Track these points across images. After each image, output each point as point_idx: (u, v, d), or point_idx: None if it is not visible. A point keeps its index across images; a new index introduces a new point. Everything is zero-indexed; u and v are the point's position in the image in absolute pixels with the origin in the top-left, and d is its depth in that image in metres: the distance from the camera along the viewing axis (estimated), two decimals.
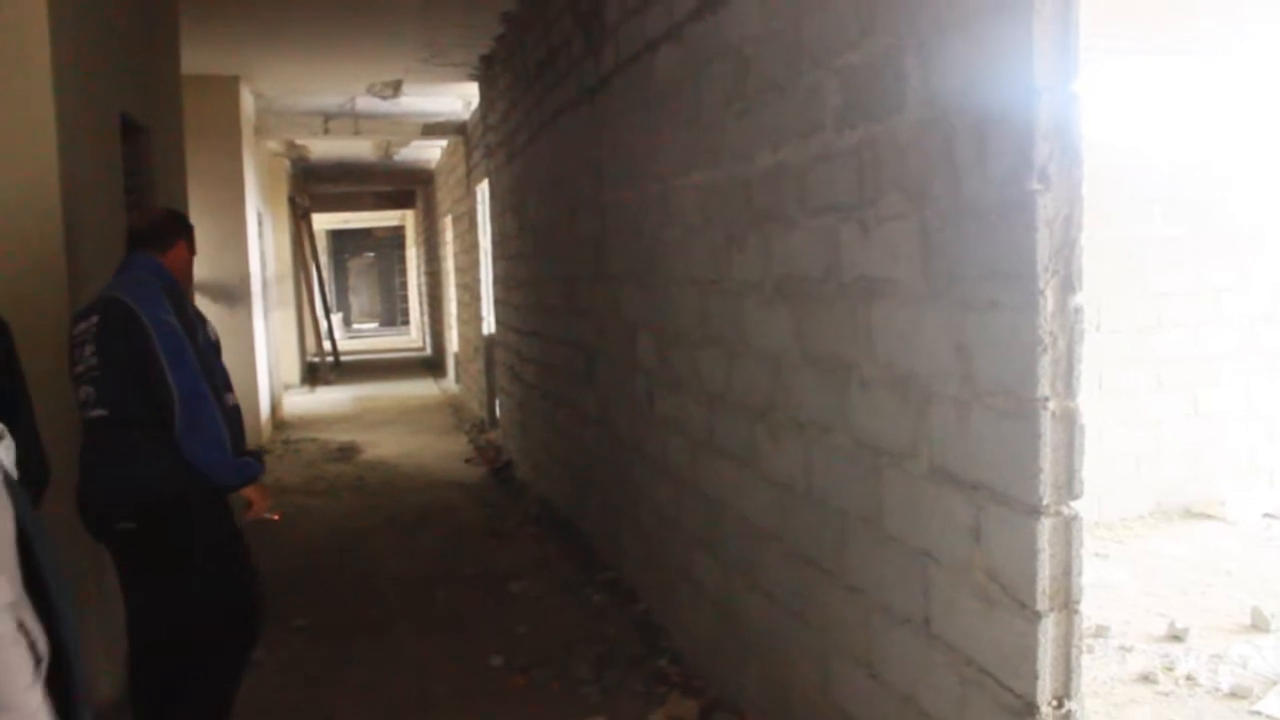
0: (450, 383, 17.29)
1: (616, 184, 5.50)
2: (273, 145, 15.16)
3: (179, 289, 3.90)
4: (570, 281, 6.74)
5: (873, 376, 2.89)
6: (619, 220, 5.49)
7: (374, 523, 7.67)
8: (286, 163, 16.95)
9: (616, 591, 5.74)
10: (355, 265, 39.54)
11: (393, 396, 16.26)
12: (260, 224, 12.58)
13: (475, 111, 11.94)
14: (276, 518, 4.14)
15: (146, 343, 3.49)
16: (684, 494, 4.66)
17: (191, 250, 4.03)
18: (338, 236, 35.41)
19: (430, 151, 17.23)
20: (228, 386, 3.84)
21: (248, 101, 11.34)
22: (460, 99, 12.11)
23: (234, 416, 3.78)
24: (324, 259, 26.15)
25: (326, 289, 23.01)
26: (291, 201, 17.79)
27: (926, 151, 2.57)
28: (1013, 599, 2.32)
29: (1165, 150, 7.01)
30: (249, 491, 3.74)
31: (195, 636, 3.63)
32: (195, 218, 9.76)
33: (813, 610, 3.40)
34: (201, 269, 7.02)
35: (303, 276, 18.68)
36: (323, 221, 28.30)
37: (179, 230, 3.99)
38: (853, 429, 3.03)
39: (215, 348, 3.93)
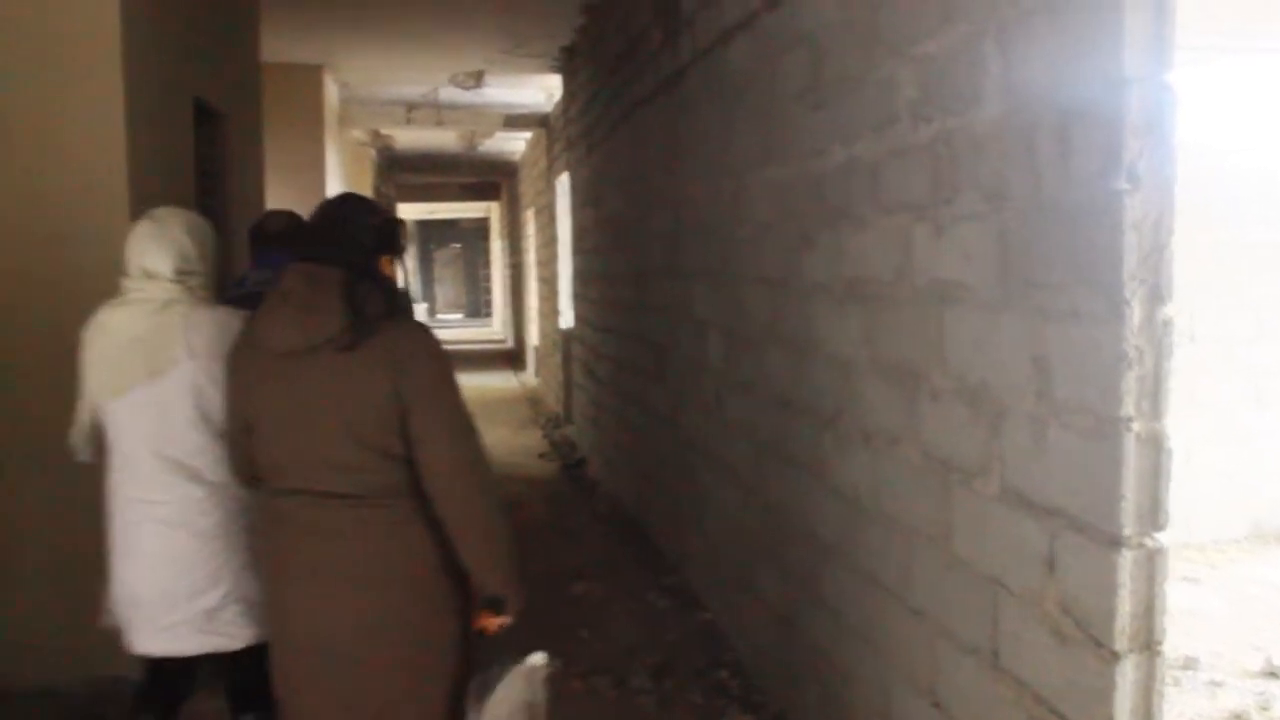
0: (530, 376, 17.28)
1: (691, 179, 5.35)
2: (357, 135, 15.24)
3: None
4: (643, 277, 6.61)
5: (943, 387, 2.71)
6: (693, 216, 5.33)
7: None
8: (372, 152, 17.03)
9: (681, 597, 5.60)
10: (441, 256, 39.82)
11: (473, 388, 16.24)
12: None
13: (558, 103, 11.85)
14: None
15: None
16: (749, 500, 4.49)
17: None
18: (424, 227, 35.68)
19: (515, 143, 17.21)
20: None
21: (331, 90, 11.37)
22: (543, 91, 12.03)
23: None
24: (410, 249, 26.33)
25: (411, 279, 23.16)
26: (377, 191, 17.89)
27: (1005, 147, 2.38)
28: (1088, 636, 2.13)
29: (1264, 152, 6.66)
30: None
31: None
32: (275, 206, 9.84)
33: (876, 632, 3.22)
34: None
35: None
36: (408, 212, 28.53)
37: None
38: (922, 442, 2.85)
39: None
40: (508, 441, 11.25)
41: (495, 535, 2.59)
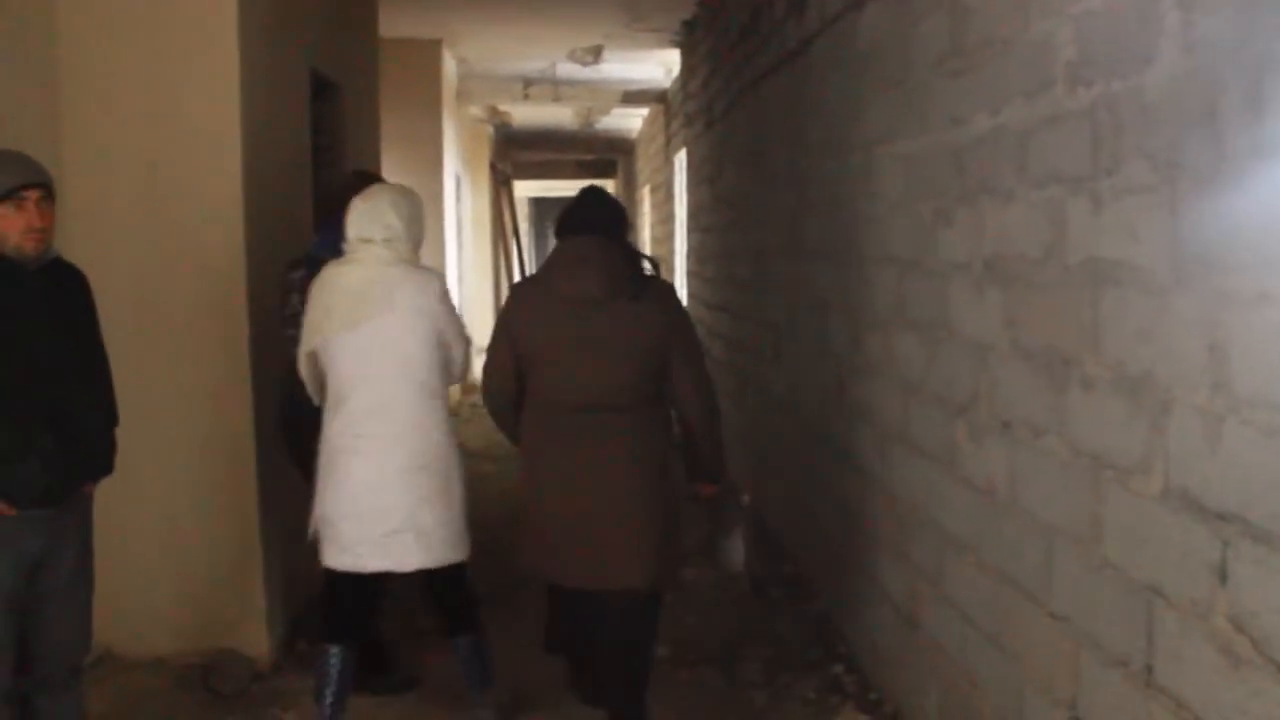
0: None
1: (814, 153, 5.14)
2: (475, 111, 15.25)
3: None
4: (761, 256, 6.41)
5: (1098, 376, 2.48)
6: (815, 192, 5.12)
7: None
8: (489, 129, 17.05)
9: (794, 586, 5.41)
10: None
11: None
12: (459, 188, 12.65)
13: (676, 79, 11.68)
14: None
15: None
16: (870, 490, 4.29)
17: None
18: (540, 204, 35.79)
19: (631, 121, 17.08)
20: None
21: (449, 65, 11.36)
22: (661, 66, 11.86)
23: None
24: (525, 226, 26.43)
25: (525, 256, 23.22)
26: (493, 167, 17.91)
27: (1182, 111, 2.15)
28: (1266, 658, 1.90)
29: None
30: None
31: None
32: (391, 179, 9.87)
33: (1009, 634, 3.01)
34: None
35: (501, 242, 18.85)
36: (525, 189, 28.62)
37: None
38: (1069, 435, 2.62)
39: None
40: None
41: (716, 435, 3.72)
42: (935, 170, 3.51)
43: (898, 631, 3.98)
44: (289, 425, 4.19)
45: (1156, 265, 2.23)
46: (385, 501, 3.50)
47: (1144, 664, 2.30)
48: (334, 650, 3.68)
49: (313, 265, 3.86)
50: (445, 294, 3.67)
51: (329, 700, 3.68)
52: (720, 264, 8.13)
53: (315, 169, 5.81)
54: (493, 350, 3.63)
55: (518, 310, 3.58)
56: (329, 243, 3.90)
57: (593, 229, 3.60)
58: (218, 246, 4.17)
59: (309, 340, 3.61)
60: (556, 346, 3.49)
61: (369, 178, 4.19)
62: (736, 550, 4.06)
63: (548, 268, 3.59)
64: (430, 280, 3.64)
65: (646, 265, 3.65)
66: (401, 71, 10.43)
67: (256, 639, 4.28)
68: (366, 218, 3.59)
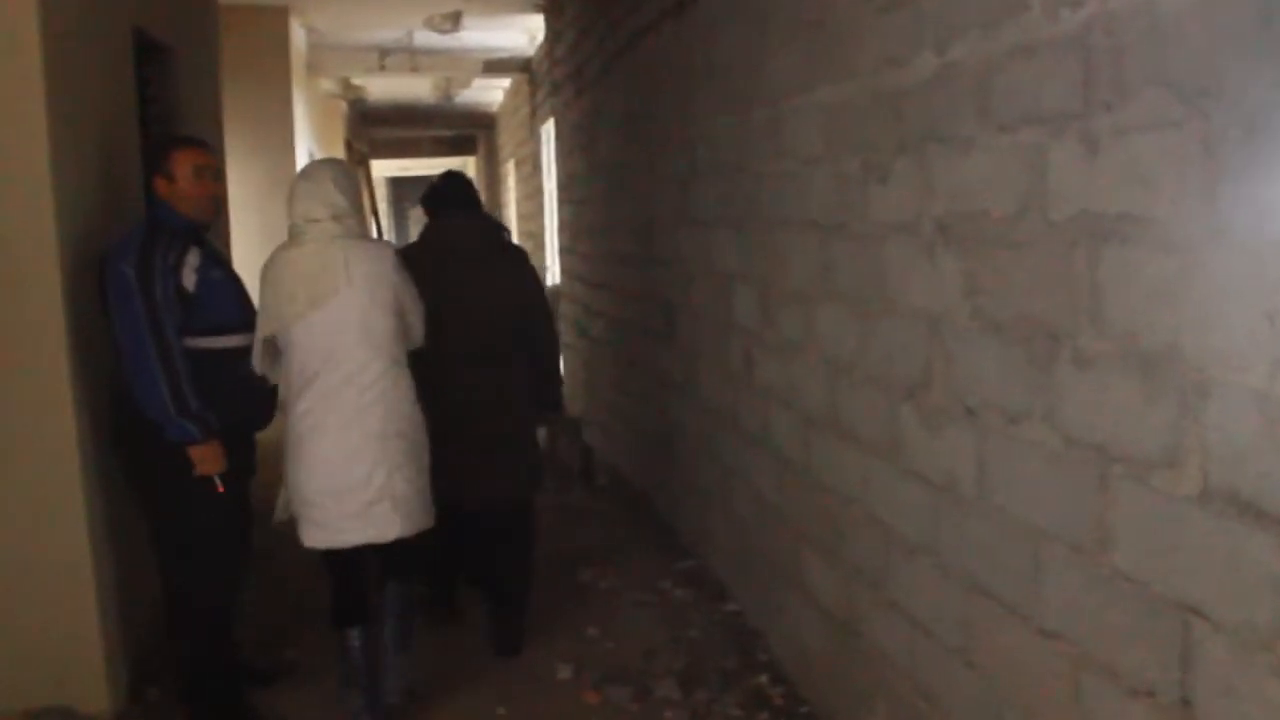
0: None
1: (709, 113, 4.69)
2: (327, 85, 14.43)
3: (180, 224, 3.66)
4: (649, 228, 5.95)
5: (1098, 352, 2.08)
6: (712, 155, 4.68)
7: None
8: (343, 105, 16.22)
9: (701, 585, 4.99)
10: (416, 214, 38.84)
11: None
12: None
13: (540, 46, 11.12)
14: (220, 489, 3.59)
15: (105, 295, 3.54)
16: (792, 480, 3.88)
17: (170, 178, 3.66)
18: (398, 184, 34.74)
19: (492, 93, 16.43)
20: (228, 327, 3.69)
21: (298, 35, 10.60)
22: (525, 33, 11.28)
23: (223, 360, 3.65)
24: (384, 207, 25.54)
25: (386, 237, 22.39)
26: (349, 146, 17.07)
27: (1215, 25, 1.75)
28: None
29: None
30: (191, 451, 3.52)
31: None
32: (241, 159, 9.13)
33: (981, 650, 2.62)
34: (249, 211, 6.31)
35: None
36: (383, 169, 27.68)
37: (149, 161, 3.74)
38: (1059, 421, 2.22)
39: (213, 287, 3.67)
40: None
41: (560, 371, 4.72)
42: (865, 120, 3.08)
43: (832, 639, 3.58)
44: (121, 433, 3.62)
45: (1179, 217, 1.83)
46: (360, 470, 3.50)
47: (1178, 695, 1.91)
48: (353, 634, 3.63)
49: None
50: (399, 263, 3.69)
51: (364, 685, 3.63)
52: (598, 238, 7.65)
53: (145, 139, 5.16)
54: None
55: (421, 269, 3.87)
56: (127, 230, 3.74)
57: (464, 205, 4.40)
58: (18, 219, 3.50)
59: (266, 326, 3.58)
60: (454, 299, 4.08)
61: (154, 144, 4.16)
62: (570, 455, 5.12)
63: (440, 234, 4.34)
64: (384, 250, 3.70)
65: (504, 234, 4.51)
66: (245, 41, 9.63)
67: (94, 692, 3.65)
68: (311, 198, 3.58)
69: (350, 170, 3.85)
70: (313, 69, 11.66)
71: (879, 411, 3.10)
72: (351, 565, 3.65)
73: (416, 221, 38.40)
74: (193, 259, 3.56)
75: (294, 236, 3.60)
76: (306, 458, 3.52)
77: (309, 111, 11.49)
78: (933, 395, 2.77)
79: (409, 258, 3.84)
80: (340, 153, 16.08)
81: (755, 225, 4.11)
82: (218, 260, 3.75)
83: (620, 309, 7.01)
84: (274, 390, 3.77)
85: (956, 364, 2.64)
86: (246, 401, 3.72)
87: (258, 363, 3.64)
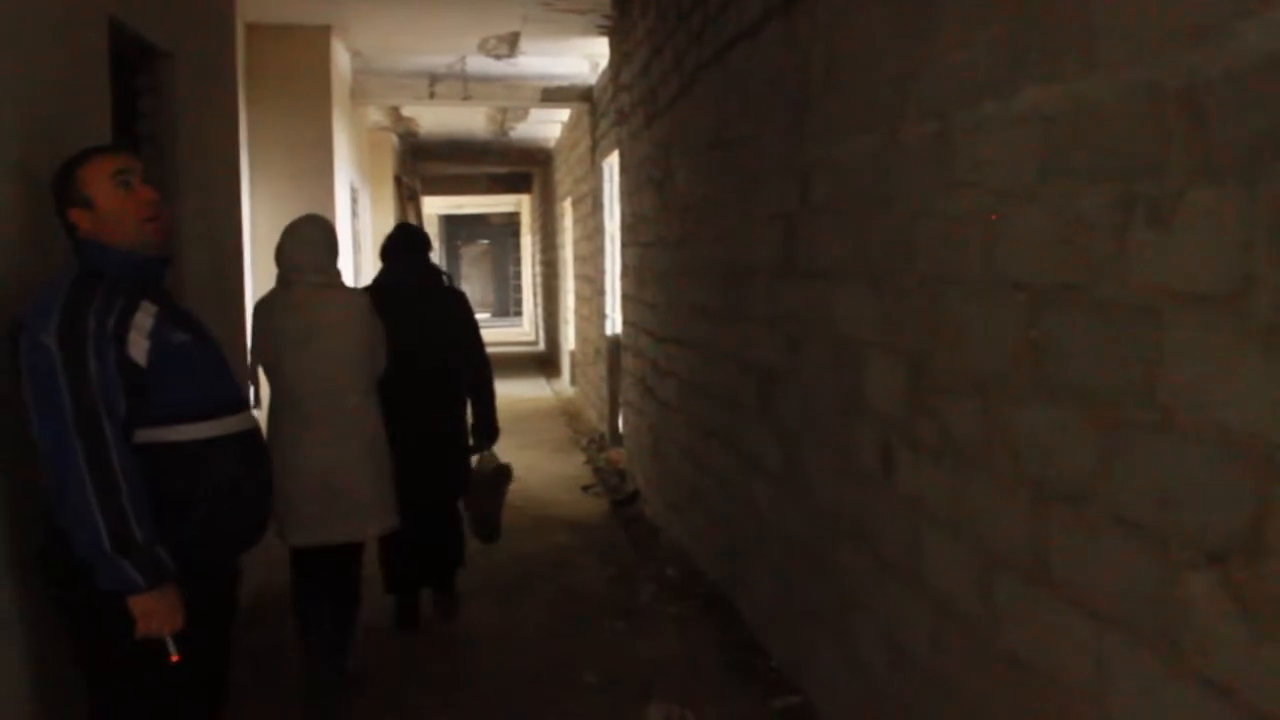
0: (564, 384, 15.61)
1: (831, 134, 3.66)
2: (376, 117, 13.61)
3: (121, 266, 2.64)
4: (738, 276, 4.92)
5: None
6: (835, 188, 3.65)
7: (463, 585, 5.92)
8: (393, 138, 15.40)
9: None
10: (469, 252, 38.27)
11: (502, 398, 14.52)
12: (355, 201, 11.00)
13: (604, 72, 10.18)
14: (174, 658, 2.54)
15: (20, 378, 2.51)
16: (960, 637, 2.80)
17: (87, 204, 2.64)
18: (451, 222, 34.11)
19: (549, 128, 15.54)
20: (199, 411, 2.66)
21: (341, 58, 9.72)
22: (586, 59, 10.35)
23: (194, 460, 2.62)
24: (436, 244, 24.75)
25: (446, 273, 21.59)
26: (398, 181, 16.24)
27: None
28: None
29: None
30: (132, 602, 2.48)
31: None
32: (272, 188, 8.20)
33: None
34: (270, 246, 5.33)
35: None
36: (435, 206, 26.97)
37: (56, 194, 2.71)
38: None
39: (175, 356, 2.61)
40: (544, 468, 9.55)
41: (493, 402, 5.53)
42: (1123, 132, 2.03)
43: None
44: (54, 567, 2.60)
45: None
46: (342, 484, 4.11)
47: None
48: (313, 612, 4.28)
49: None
50: (370, 307, 4.37)
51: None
52: (670, 286, 6.62)
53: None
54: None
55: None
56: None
57: (409, 252, 5.21)
58: None
59: (260, 356, 4.25)
60: (400, 336, 4.63)
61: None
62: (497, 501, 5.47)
63: (387, 276, 5.14)
64: (358, 296, 4.43)
65: (445, 279, 5.28)
66: (282, 62, 8.81)
67: None
68: (300, 250, 4.24)
69: (331, 227, 4.39)
70: (358, 96, 10.79)
71: (1138, 573, 2.02)
72: (320, 560, 4.24)
73: (469, 260, 37.87)
74: (143, 319, 2.56)
75: (284, 282, 4.26)
76: (292, 471, 4.03)
77: (352, 141, 10.61)
78: (1269, 564, 1.70)
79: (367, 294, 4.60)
80: (388, 188, 15.27)
81: (904, 280, 3.06)
82: (182, 318, 2.74)
83: (697, 370, 5.97)
84: (267, 493, 2.81)
85: None
86: (229, 515, 2.70)
87: (254, 394, 4.27)
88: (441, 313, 5.08)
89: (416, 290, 5.06)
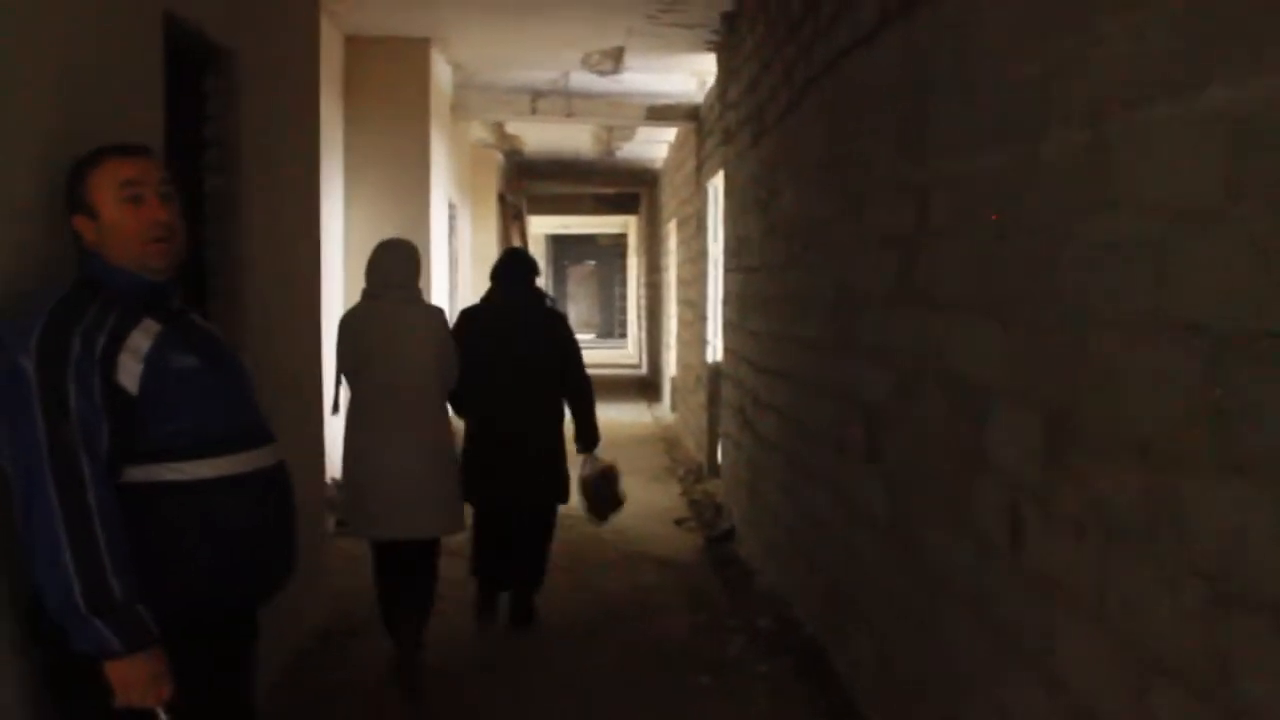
0: (665, 410, 15.21)
1: (955, 146, 3.21)
2: (481, 134, 13.43)
3: (122, 284, 2.30)
4: (847, 305, 4.47)
5: None
6: (958, 207, 3.19)
7: (542, 621, 5.52)
8: (498, 156, 15.26)
9: None
10: (575, 273, 38.24)
11: (601, 421, 14.11)
12: (453, 218, 10.77)
13: (710, 90, 9.81)
14: None
15: None
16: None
17: (92, 213, 2.31)
18: (558, 242, 34.07)
19: (656, 148, 15.21)
20: (200, 448, 2.30)
21: (441, 71, 9.52)
22: (693, 76, 9.98)
23: (196, 503, 2.28)
24: (542, 264, 24.66)
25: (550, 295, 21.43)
26: (502, 200, 16.08)
27: None
28: None
29: None
30: (108, 668, 2.14)
31: None
32: (365, 203, 7.98)
33: None
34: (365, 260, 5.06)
35: None
36: (542, 225, 26.91)
37: (67, 196, 2.38)
38: None
39: (173, 382, 2.28)
40: (638, 497, 9.04)
41: (594, 415, 5.81)
42: None
43: None
44: (40, 623, 2.27)
45: None
46: (412, 483, 4.43)
47: None
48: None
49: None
50: (445, 323, 4.76)
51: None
52: (773, 314, 6.20)
53: (198, 170, 3.96)
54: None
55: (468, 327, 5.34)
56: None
57: (516, 276, 5.52)
58: None
59: (345, 362, 4.57)
60: (502, 351, 5.28)
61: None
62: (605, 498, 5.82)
63: (495, 296, 5.54)
64: (437, 313, 4.76)
65: (548, 301, 5.71)
66: (379, 74, 8.65)
67: None
68: (388, 266, 4.60)
69: (415, 249, 4.74)
70: (458, 111, 10.58)
71: None
72: (395, 554, 4.57)
73: (576, 280, 37.95)
74: (140, 340, 2.23)
75: (370, 296, 4.63)
76: (371, 470, 4.45)
77: (451, 156, 10.39)
78: None
79: (473, 314, 5.47)
80: (492, 205, 15.10)
81: (1042, 317, 2.60)
82: (193, 337, 2.41)
83: (798, 406, 5.53)
84: (286, 539, 2.46)
85: None
86: (238, 565, 2.35)
87: (330, 405, 4.80)
88: (540, 332, 5.41)
89: (519, 312, 5.41)
